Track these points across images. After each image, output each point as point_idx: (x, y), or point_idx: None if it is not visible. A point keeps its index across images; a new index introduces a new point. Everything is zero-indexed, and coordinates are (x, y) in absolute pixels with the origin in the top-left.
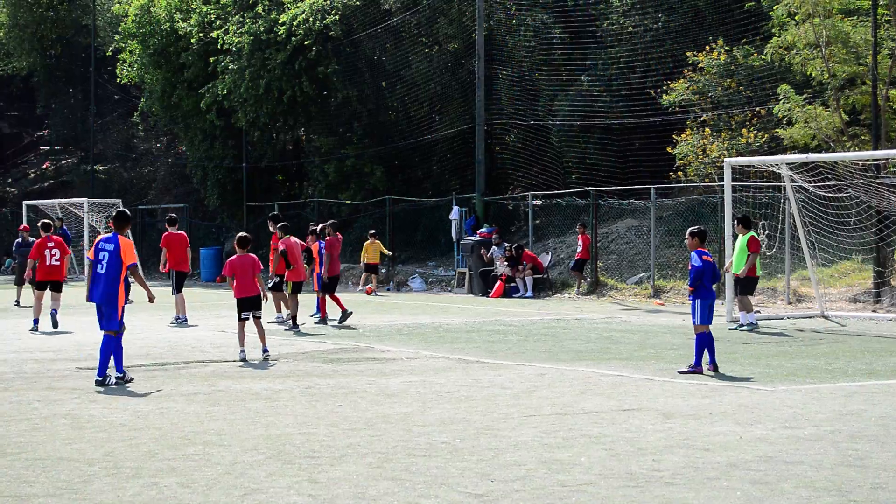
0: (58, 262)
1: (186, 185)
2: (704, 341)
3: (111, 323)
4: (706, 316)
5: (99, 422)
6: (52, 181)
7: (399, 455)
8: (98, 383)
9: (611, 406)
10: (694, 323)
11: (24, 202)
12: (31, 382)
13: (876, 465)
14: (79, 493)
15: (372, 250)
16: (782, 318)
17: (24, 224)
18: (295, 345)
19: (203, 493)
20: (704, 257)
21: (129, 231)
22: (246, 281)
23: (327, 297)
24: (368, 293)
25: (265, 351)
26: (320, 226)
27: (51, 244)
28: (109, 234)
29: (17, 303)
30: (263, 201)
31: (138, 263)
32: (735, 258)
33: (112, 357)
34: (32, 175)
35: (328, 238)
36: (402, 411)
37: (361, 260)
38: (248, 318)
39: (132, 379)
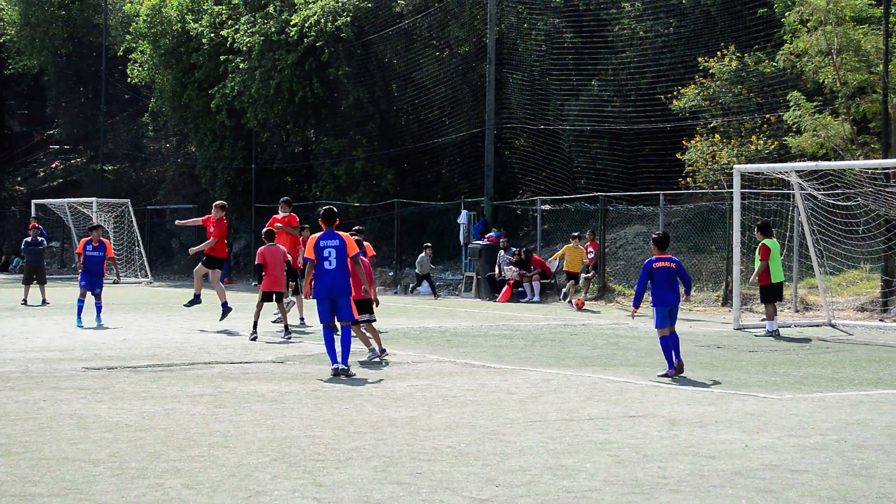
0: None
1: (195, 185)
2: (667, 344)
3: (349, 313)
4: (662, 321)
5: (105, 422)
6: (61, 180)
7: (404, 459)
8: (343, 372)
9: (617, 412)
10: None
11: (33, 201)
12: (37, 382)
13: (882, 475)
14: (83, 494)
15: (574, 256)
16: (789, 326)
17: (33, 222)
18: (301, 347)
19: (208, 494)
20: (657, 264)
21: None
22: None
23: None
24: (580, 306)
25: (383, 351)
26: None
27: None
28: (323, 232)
29: (25, 302)
30: (272, 202)
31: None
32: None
33: (341, 348)
34: (41, 174)
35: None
36: (408, 415)
37: (561, 266)
38: (367, 320)
39: (354, 374)
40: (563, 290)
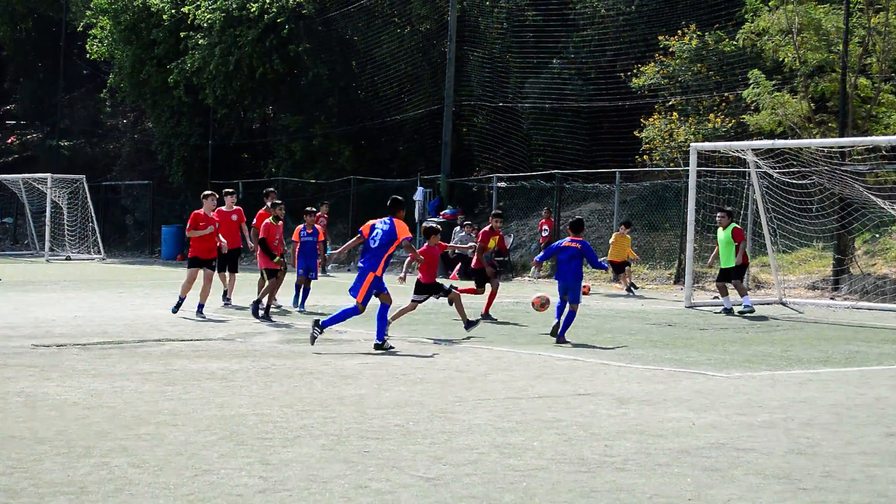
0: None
1: (151, 161)
2: (560, 307)
3: (358, 292)
4: (559, 293)
5: (52, 400)
6: (16, 156)
7: (352, 437)
8: (377, 346)
9: (566, 391)
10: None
11: None
12: None
13: (826, 454)
14: (29, 472)
15: (621, 244)
16: (740, 304)
17: None
18: (253, 325)
19: (154, 473)
20: (565, 243)
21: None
22: (432, 269)
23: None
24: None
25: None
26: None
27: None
28: (386, 218)
29: None
30: (228, 179)
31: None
32: (722, 251)
33: (338, 318)
34: None
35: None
36: (357, 393)
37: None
38: (419, 302)
39: (392, 347)
40: (623, 285)
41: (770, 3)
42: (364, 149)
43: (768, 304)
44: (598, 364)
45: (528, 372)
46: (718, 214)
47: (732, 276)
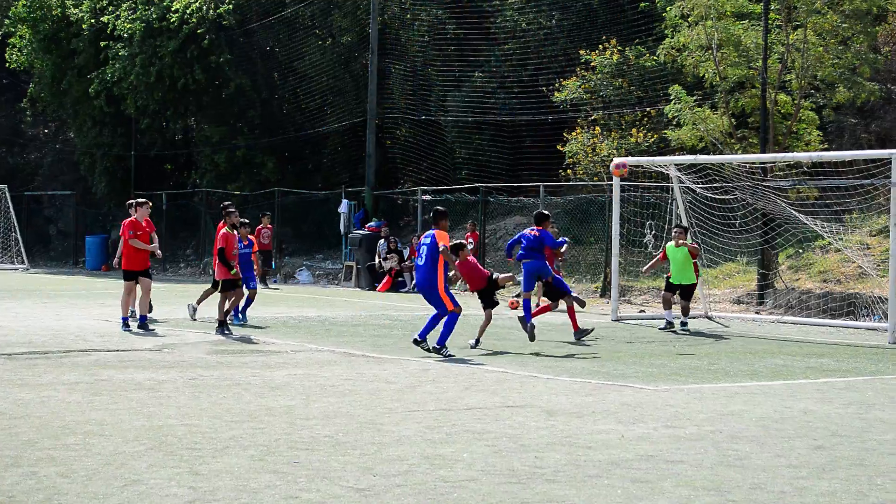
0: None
1: (74, 172)
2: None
3: (440, 307)
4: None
5: None
6: None
7: (282, 448)
8: (435, 350)
9: (495, 402)
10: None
11: None
12: None
13: (755, 466)
14: None
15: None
16: (662, 319)
17: None
18: (180, 335)
19: (83, 483)
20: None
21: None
22: (474, 278)
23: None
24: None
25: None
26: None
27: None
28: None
29: None
30: (152, 190)
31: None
32: (681, 267)
33: (443, 328)
34: None
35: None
36: (286, 404)
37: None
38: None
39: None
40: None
41: (689, 19)
42: (288, 161)
43: (694, 318)
44: (526, 376)
45: (456, 383)
46: (675, 230)
47: (683, 293)
